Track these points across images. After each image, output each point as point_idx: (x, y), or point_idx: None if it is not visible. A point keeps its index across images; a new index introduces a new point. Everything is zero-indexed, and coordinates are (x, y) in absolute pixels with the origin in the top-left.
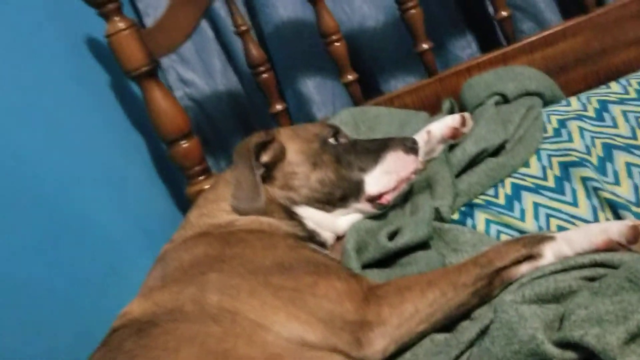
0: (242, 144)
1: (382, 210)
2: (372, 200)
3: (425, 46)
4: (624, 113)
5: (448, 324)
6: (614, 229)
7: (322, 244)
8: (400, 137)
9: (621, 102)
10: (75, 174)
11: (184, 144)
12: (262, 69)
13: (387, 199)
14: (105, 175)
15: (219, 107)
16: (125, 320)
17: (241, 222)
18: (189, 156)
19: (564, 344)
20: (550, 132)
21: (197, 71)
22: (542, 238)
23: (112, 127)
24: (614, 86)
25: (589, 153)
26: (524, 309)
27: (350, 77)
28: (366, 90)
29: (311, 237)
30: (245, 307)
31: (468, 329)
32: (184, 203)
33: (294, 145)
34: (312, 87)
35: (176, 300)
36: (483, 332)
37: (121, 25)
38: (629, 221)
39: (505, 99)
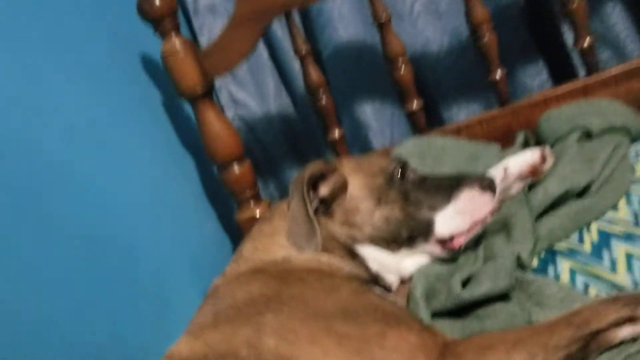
0: (298, 174)
1: (452, 255)
2: (443, 242)
3: (499, 74)
4: None
5: None
6: None
7: (387, 288)
8: (476, 174)
9: None
10: (124, 198)
11: (237, 168)
12: (320, 93)
13: (460, 241)
14: (155, 200)
15: (270, 130)
16: None
17: (299, 260)
18: (241, 181)
19: None
20: (639, 173)
21: (250, 92)
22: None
23: (163, 150)
24: None
25: None
26: None
27: (415, 105)
28: (427, 119)
29: (375, 279)
30: (305, 355)
31: None
32: (233, 230)
33: (357, 179)
34: (370, 114)
35: (229, 343)
36: None
37: (178, 43)
38: None
39: (588, 135)
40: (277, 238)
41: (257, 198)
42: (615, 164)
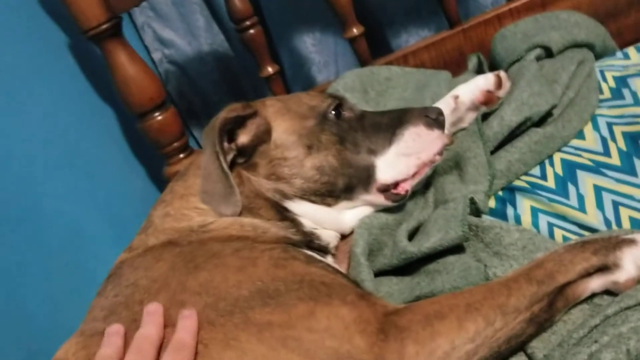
0: (211, 121)
1: (398, 203)
2: (386, 190)
3: None
4: None
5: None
6: None
7: (323, 249)
8: (421, 107)
9: None
10: (31, 154)
11: (158, 117)
12: (248, 23)
13: (405, 187)
14: (65, 152)
15: (205, 70)
16: None
17: (217, 225)
18: (165, 130)
19: None
20: (607, 94)
21: (178, 29)
22: (619, 242)
23: (74, 96)
24: None
25: None
26: None
27: (355, 31)
28: (374, 48)
29: (308, 240)
30: None
31: None
32: (163, 185)
33: (282, 123)
34: (311, 45)
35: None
36: None
37: None
38: None
39: (548, 53)
40: (192, 199)
41: (186, 149)
42: (579, 84)
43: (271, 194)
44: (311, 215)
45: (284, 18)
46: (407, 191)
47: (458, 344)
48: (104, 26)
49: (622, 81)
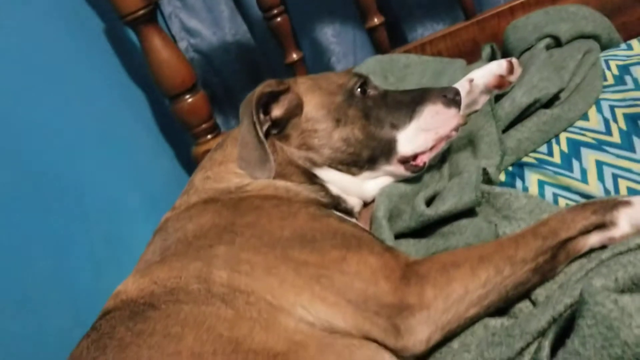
0: (248, 96)
1: (416, 174)
2: (406, 161)
3: None
4: None
5: (503, 307)
6: None
7: (349, 212)
8: (440, 87)
9: None
10: (67, 132)
11: (189, 99)
12: (275, 12)
13: (423, 160)
14: (102, 133)
15: (228, 59)
16: (119, 301)
17: (253, 187)
18: (195, 112)
19: None
20: (610, 80)
21: (203, 19)
22: (615, 203)
23: (110, 80)
24: None
25: None
26: (625, 300)
27: (376, 21)
28: (391, 39)
29: (336, 203)
30: (261, 285)
31: (535, 317)
32: (191, 165)
33: (313, 98)
34: (331, 36)
35: (178, 278)
36: (555, 320)
37: None
38: None
39: (557, 42)
40: (230, 165)
41: (215, 130)
42: (585, 71)
43: (302, 161)
44: (337, 182)
45: (306, 10)
46: (425, 163)
47: (471, 289)
48: (141, 12)
49: (625, 69)
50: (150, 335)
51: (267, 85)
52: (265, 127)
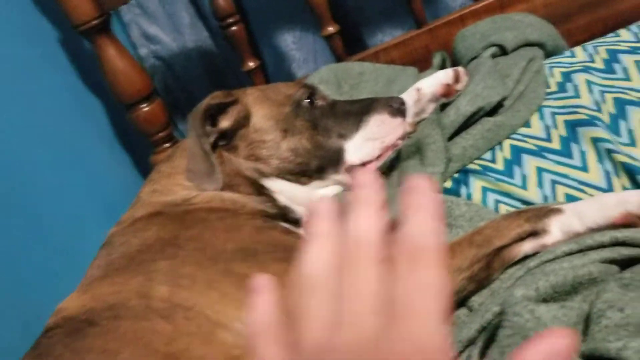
0: (196, 108)
1: None
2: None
3: None
4: (637, 63)
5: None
6: (633, 200)
7: (298, 222)
8: (386, 97)
9: (633, 51)
10: (22, 143)
11: (145, 108)
12: (230, 20)
13: (371, 169)
14: (58, 142)
15: (189, 65)
16: (60, 318)
17: (200, 199)
18: (152, 121)
19: (595, 358)
20: (553, 87)
21: (163, 26)
22: (548, 211)
23: (66, 90)
24: (624, 34)
25: (599, 110)
26: (541, 310)
27: (331, 29)
28: (351, 46)
29: (284, 214)
30: (202, 300)
31: (467, 325)
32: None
33: (261, 109)
34: (292, 42)
35: (119, 293)
36: (485, 328)
37: None
38: None
39: (503, 51)
40: (177, 178)
41: (172, 138)
42: (529, 79)
43: (250, 172)
44: (287, 192)
45: (266, 17)
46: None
47: None
48: (95, 22)
49: (567, 76)
50: (88, 352)
51: (214, 97)
52: (212, 139)
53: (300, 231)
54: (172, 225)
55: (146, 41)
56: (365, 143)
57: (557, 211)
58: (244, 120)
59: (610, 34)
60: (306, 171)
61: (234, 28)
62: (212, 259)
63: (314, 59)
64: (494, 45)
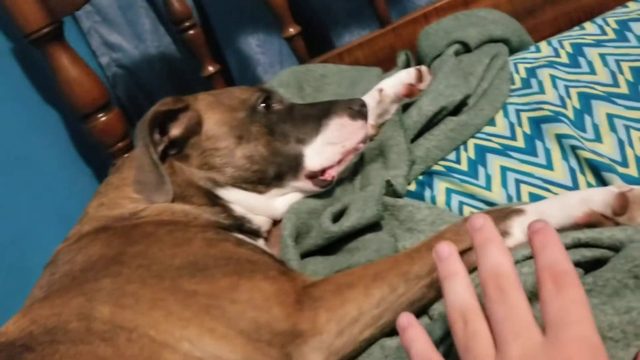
0: (144, 115)
1: (326, 188)
2: (314, 176)
3: None
4: (602, 56)
5: None
6: (597, 198)
7: (255, 232)
8: (346, 99)
9: (598, 44)
10: None
11: (102, 118)
12: (187, 24)
13: (332, 174)
14: (12, 156)
15: (153, 73)
16: None
17: (149, 212)
18: (109, 131)
19: None
20: (518, 84)
21: (124, 33)
22: (509, 212)
23: (20, 101)
24: (589, 27)
25: (563, 105)
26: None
27: (292, 31)
28: (318, 47)
29: (240, 224)
30: (146, 320)
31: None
32: None
33: (213, 115)
34: (256, 46)
35: (59, 316)
36: (445, 338)
37: None
38: (615, 187)
39: (466, 48)
40: (126, 190)
41: (131, 149)
42: (492, 76)
43: (203, 182)
44: (243, 202)
45: (228, 20)
46: (333, 177)
47: (365, 310)
48: (45, 30)
49: (531, 72)
50: None
51: (163, 104)
52: (161, 148)
53: (257, 242)
54: (117, 241)
55: (107, 49)
56: (325, 147)
57: (519, 212)
58: (195, 128)
59: (576, 28)
60: (263, 179)
61: (191, 32)
62: (158, 275)
63: (280, 62)
64: (457, 42)
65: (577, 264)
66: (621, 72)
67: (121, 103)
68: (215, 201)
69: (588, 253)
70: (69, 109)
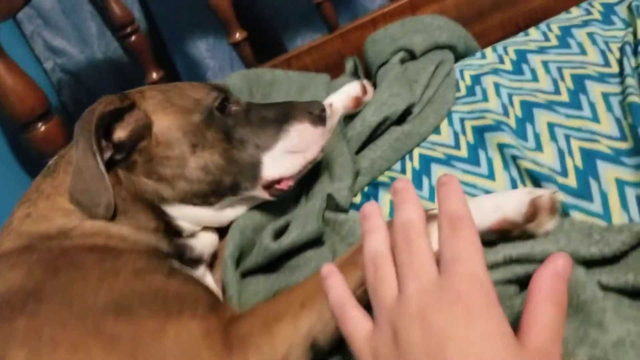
0: (85, 115)
1: (277, 198)
2: (270, 186)
3: None
4: (545, 64)
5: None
6: (509, 205)
7: (197, 259)
8: (306, 102)
9: (541, 50)
10: None
11: (41, 127)
12: (128, 30)
13: (288, 184)
14: None
15: (100, 78)
16: None
17: (80, 232)
18: (50, 141)
19: None
20: (463, 91)
21: (69, 37)
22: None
23: None
24: (533, 33)
25: (506, 114)
26: None
27: (238, 37)
28: (270, 52)
29: (181, 253)
30: None
31: None
32: None
33: (164, 117)
34: (205, 50)
35: None
36: None
37: None
38: (527, 192)
39: (413, 55)
40: (59, 200)
41: None
42: (438, 83)
43: (150, 195)
44: (191, 217)
45: (175, 24)
46: (289, 186)
47: (295, 343)
48: None
49: (476, 79)
50: None
51: (108, 103)
52: (107, 155)
53: (197, 270)
54: (39, 269)
55: (51, 54)
56: (286, 156)
57: (435, 217)
58: (143, 131)
59: (521, 34)
60: (217, 190)
61: (133, 38)
62: (80, 316)
63: (230, 66)
64: (402, 49)
65: (509, 282)
66: (562, 80)
67: (67, 109)
68: (160, 216)
69: (520, 270)
70: (6, 119)
